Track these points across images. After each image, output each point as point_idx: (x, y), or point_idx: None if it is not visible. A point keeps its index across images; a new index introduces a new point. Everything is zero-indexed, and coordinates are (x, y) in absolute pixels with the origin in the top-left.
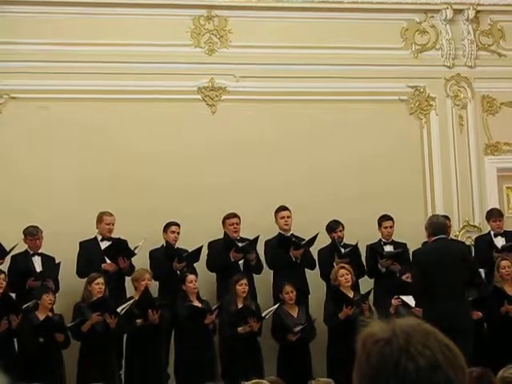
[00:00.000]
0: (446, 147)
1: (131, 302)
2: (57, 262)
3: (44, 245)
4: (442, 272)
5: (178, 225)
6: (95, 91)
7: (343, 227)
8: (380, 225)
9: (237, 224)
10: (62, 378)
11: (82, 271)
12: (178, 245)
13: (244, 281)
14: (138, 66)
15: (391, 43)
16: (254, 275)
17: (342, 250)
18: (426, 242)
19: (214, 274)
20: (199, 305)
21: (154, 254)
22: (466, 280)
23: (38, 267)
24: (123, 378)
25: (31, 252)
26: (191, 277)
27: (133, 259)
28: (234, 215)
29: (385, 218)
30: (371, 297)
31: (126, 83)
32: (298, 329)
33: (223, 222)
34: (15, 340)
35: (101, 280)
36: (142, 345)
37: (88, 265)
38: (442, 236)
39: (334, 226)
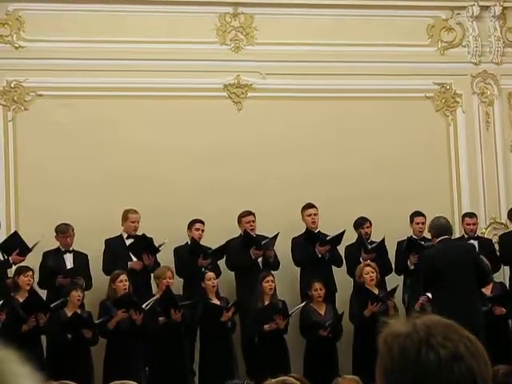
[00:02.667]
0: (472, 144)
1: (155, 298)
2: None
3: (73, 242)
4: (450, 271)
5: (202, 222)
6: (121, 89)
7: (371, 223)
8: (412, 221)
9: (253, 222)
10: (90, 374)
11: (108, 269)
12: (201, 242)
13: (270, 277)
14: (163, 64)
15: (417, 40)
16: (281, 272)
17: (369, 246)
18: (431, 245)
19: (233, 273)
20: (218, 302)
21: (178, 251)
22: (475, 279)
23: (70, 264)
24: (149, 375)
25: (63, 249)
26: (210, 274)
27: (158, 256)
28: (249, 213)
29: (417, 214)
30: (400, 295)
31: (152, 80)
32: (329, 323)
33: (239, 221)
34: (43, 337)
35: (124, 277)
36: (165, 343)
37: (114, 262)
38: (446, 237)
39: (361, 222)
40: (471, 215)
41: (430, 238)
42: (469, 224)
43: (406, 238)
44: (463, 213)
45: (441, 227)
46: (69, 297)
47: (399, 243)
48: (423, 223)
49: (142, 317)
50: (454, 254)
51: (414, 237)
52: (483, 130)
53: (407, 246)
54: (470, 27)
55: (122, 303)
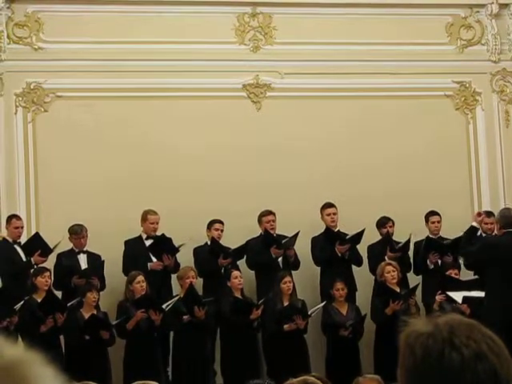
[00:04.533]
0: (492, 142)
1: (176, 298)
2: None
3: (89, 243)
4: (508, 264)
5: (221, 222)
6: (140, 89)
7: (393, 223)
8: (427, 220)
9: (273, 221)
10: (109, 375)
11: (128, 270)
12: (221, 242)
13: (288, 278)
14: (182, 64)
15: (436, 39)
16: (301, 272)
17: (396, 245)
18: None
19: (253, 272)
20: (244, 298)
21: (197, 252)
22: None
23: (84, 265)
24: (170, 375)
25: (77, 250)
26: (236, 273)
27: (177, 257)
28: (270, 212)
29: (432, 213)
30: (419, 294)
31: (170, 81)
32: (350, 323)
33: (259, 220)
34: (61, 337)
35: (141, 278)
36: (188, 342)
37: (134, 263)
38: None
39: (384, 222)
40: (489, 214)
41: (446, 237)
42: (486, 223)
43: (424, 237)
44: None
45: (509, 218)
46: (84, 298)
47: (417, 243)
48: (438, 222)
49: (161, 317)
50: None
51: (432, 236)
52: (503, 127)
53: (426, 246)
54: (489, 25)
55: (142, 304)
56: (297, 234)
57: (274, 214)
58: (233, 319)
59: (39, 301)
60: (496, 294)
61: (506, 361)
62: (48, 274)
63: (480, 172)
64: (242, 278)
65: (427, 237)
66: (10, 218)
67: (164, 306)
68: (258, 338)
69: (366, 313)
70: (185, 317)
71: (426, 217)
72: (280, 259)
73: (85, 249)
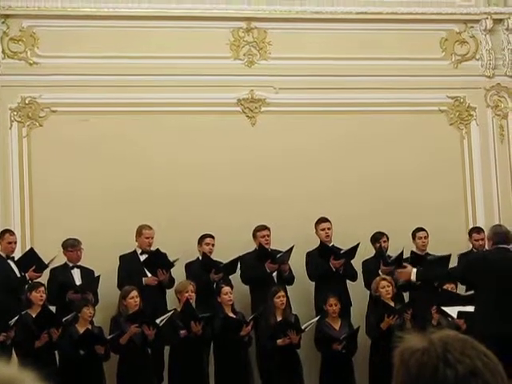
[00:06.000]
0: (486, 157)
1: (170, 313)
2: (96, 275)
3: (82, 258)
4: (496, 277)
5: (212, 237)
6: (135, 104)
7: (387, 238)
8: (414, 237)
9: (268, 236)
10: None
11: (123, 285)
12: (212, 257)
13: (281, 293)
14: (177, 79)
15: (431, 54)
16: (295, 287)
17: (389, 259)
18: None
19: (248, 287)
20: (234, 316)
21: (189, 267)
22: None
23: (78, 280)
24: None
25: (71, 265)
26: (226, 288)
27: (172, 272)
28: (265, 227)
29: (418, 229)
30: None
31: (166, 96)
32: (343, 336)
33: (254, 235)
34: (56, 353)
35: (135, 293)
36: (185, 357)
37: (129, 278)
38: (504, 246)
39: (378, 237)
40: (479, 230)
41: (432, 253)
42: (477, 240)
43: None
44: (470, 228)
45: (502, 235)
46: (80, 313)
47: (405, 260)
48: (425, 237)
49: (155, 332)
50: (506, 263)
51: (417, 251)
52: (497, 142)
53: (412, 262)
54: (483, 40)
55: (135, 319)
56: (291, 249)
57: (268, 229)
58: (223, 336)
59: (34, 316)
60: (486, 308)
61: (499, 377)
62: (42, 288)
63: (475, 187)
64: (233, 293)
65: (411, 252)
66: (3, 233)
67: (158, 321)
68: (249, 353)
69: (359, 326)
70: (182, 332)
71: (412, 233)
72: (274, 274)
73: (78, 263)
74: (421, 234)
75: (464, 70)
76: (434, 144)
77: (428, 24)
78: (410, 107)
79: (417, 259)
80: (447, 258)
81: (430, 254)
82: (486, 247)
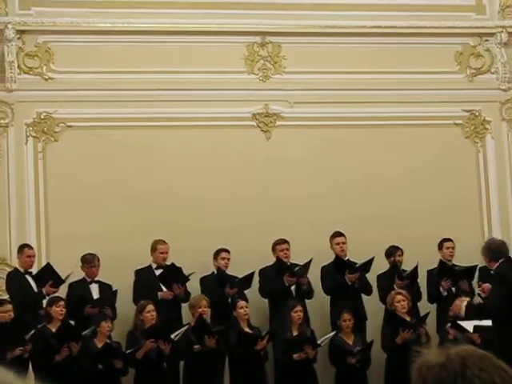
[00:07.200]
0: (502, 170)
1: (185, 328)
2: (113, 289)
3: (100, 272)
4: None
5: (228, 251)
6: (150, 119)
7: (402, 252)
8: (441, 246)
9: (287, 250)
10: None
11: (138, 299)
12: (230, 271)
13: (299, 307)
14: (192, 93)
15: (446, 67)
16: (311, 301)
17: (403, 273)
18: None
19: (266, 301)
20: (250, 331)
21: (204, 281)
22: None
23: (96, 294)
24: None
25: (89, 280)
26: (242, 303)
27: (187, 285)
28: (284, 241)
29: (446, 240)
30: (433, 323)
31: (181, 110)
32: (357, 349)
33: (273, 249)
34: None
35: (151, 307)
36: (199, 370)
37: (144, 293)
38: (508, 257)
39: (393, 251)
40: (448, 239)
41: (459, 264)
42: (448, 248)
43: (436, 264)
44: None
45: (496, 249)
46: (98, 328)
47: (429, 271)
48: (453, 248)
49: (170, 347)
50: None
51: (445, 260)
52: None
53: (439, 271)
54: (498, 54)
55: (151, 334)
56: (309, 262)
57: (288, 243)
58: (239, 351)
59: (53, 330)
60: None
61: None
62: (63, 303)
63: (490, 200)
64: (249, 307)
65: (440, 260)
66: (22, 248)
67: (173, 336)
68: (265, 367)
69: (372, 339)
70: (195, 346)
71: (439, 243)
72: (293, 287)
73: (96, 278)
74: (448, 244)
75: (479, 83)
76: (450, 157)
77: (443, 38)
78: (426, 121)
79: (444, 269)
80: (473, 268)
81: (456, 265)
82: (485, 264)
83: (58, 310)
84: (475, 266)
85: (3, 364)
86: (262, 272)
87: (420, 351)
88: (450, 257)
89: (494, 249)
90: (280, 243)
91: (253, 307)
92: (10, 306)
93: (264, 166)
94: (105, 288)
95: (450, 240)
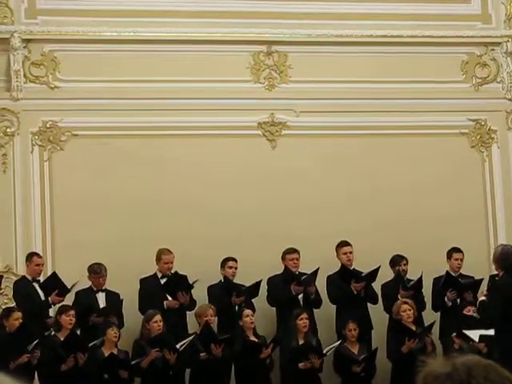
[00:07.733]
0: (508, 180)
1: (191, 338)
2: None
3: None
4: None
5: (235, 260)
6: (155, 128)
7: (407, 261)
8: (450, 256)
9: (296, 259)
10: None
11: (144, 308)
12: (237, 279)
13: (304, 315)
14: (197, 102)
15: (452, 77)
16: (317, 310)
17: (407, 283)
18: (496, 275)
19: (273, 309)
20: (255, 340)
21: (211, 290)
22: None
23: (102, 303)
24: None
25: (95, 288)
26: (247, 311)
27: (193, 293)
28: (294, 250)
29: (455, 249)
30: (437, 332)
31: (186, 119)
32: (362, 357)
33: (283, 257)
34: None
35: (159, 317)
36: (205, 379)
37: (150, 302)
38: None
39: (397, 260)
40: (458, 250)
41: (466, 274)
42: (456, 259)
43: (442, 274)
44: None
45: (506, 258)
46: (105, 335)
47: (435, 279)
48: (461, 259)
49: (175, 357)
50: None
51: (452, 273)
52: None
53: (445, 282)
54: (504, 63)
55: (157, 343)
56: (317, 271)
57: (298, 252)
58: (244, 359)
59: (62, 339)
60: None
61: None
62: (73, 312)
63: (496, 210)
64: (255, 316)
65: (447, 272)
66: (30, 256)
67: (178, 346)
68: (271, 376)
69: (377, 347)
70: (202, 354)
71: (448, 253)
72: (300, 296)
73: (103, 287)
74: (457, 255)
75: (485, 92)
76: (455, 167)
77: (449, 47)
78: (431, 130)
79: (450, 280)
80: (479, 282)
81: (463, 276)
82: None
83: (68, 320)
84: (480, 280)
85: (9, 372)
86: (270, 280)
87: (425, 361)
88: (457, 268)
89: (498, 258)
90: (290, 252)
91: (261, 316)
92: (19, 314)
93: (269, 175)
94: (112, 296)
95: (459, 251)
